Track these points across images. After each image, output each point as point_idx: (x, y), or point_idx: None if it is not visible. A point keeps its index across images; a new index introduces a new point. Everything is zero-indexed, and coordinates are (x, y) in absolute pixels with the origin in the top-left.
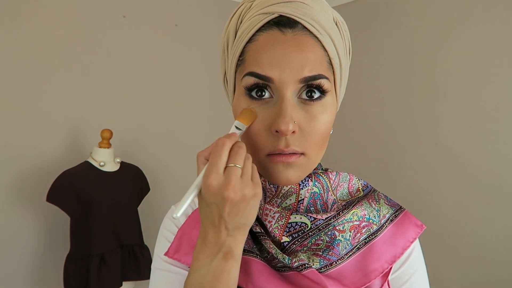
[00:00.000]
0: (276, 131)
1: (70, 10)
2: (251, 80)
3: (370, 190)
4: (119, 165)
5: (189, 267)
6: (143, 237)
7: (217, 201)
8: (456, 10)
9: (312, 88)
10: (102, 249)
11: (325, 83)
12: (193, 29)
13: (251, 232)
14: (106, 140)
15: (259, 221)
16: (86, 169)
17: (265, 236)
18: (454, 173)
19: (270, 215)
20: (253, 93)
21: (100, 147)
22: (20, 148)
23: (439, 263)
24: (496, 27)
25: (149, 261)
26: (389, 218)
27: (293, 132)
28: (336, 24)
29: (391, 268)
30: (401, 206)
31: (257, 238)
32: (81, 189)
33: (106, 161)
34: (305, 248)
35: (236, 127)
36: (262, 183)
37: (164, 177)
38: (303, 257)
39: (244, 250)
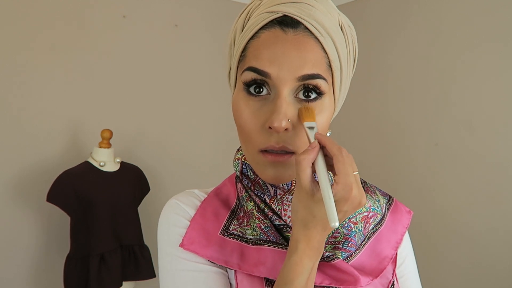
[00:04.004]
0: (270, 127)
1: (70, 10)
2: (249, 76)
3: (362, 182)
4: (119, 165)
5: (209, 261)
6: (143, 237)
7: (351, 207)
8: (456, 10)
9: (309, 89)
10: (102, 249)
11: (322, 84)
12: (193, 29)
13: (275, 224)
14: (106, 140)
15: (278, 215)
16: (86, 169)
17: (287, 229)
18: (454, 173)
19: (290, 210)
20: (251, 89)
21: (100, 147)
22: (20, 148)
23: (439, 262)
24: (497, 27)
25: (149, 261)
26: (386, 207)
27: (286, 129)
28: (341, 28)
29: (396, 253)
30: (390, 195)
31: (280, 231)
32: (81, 189)
33: (106, 161)
34: None
35: (308, 128)
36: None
37: (164, 177)
38: (327, 250)
39: (273, 243)
